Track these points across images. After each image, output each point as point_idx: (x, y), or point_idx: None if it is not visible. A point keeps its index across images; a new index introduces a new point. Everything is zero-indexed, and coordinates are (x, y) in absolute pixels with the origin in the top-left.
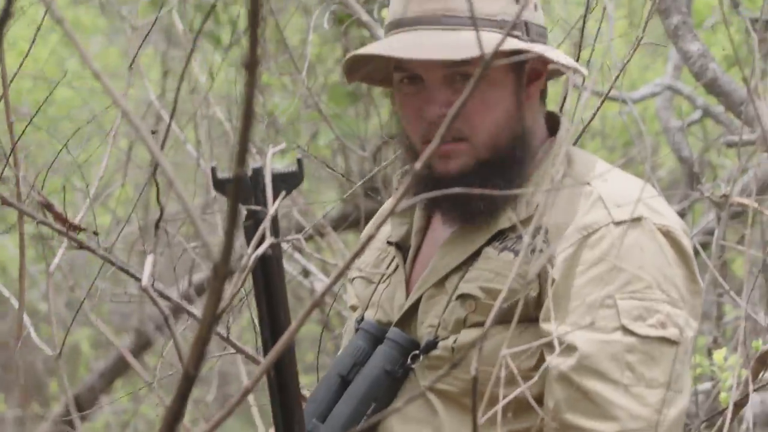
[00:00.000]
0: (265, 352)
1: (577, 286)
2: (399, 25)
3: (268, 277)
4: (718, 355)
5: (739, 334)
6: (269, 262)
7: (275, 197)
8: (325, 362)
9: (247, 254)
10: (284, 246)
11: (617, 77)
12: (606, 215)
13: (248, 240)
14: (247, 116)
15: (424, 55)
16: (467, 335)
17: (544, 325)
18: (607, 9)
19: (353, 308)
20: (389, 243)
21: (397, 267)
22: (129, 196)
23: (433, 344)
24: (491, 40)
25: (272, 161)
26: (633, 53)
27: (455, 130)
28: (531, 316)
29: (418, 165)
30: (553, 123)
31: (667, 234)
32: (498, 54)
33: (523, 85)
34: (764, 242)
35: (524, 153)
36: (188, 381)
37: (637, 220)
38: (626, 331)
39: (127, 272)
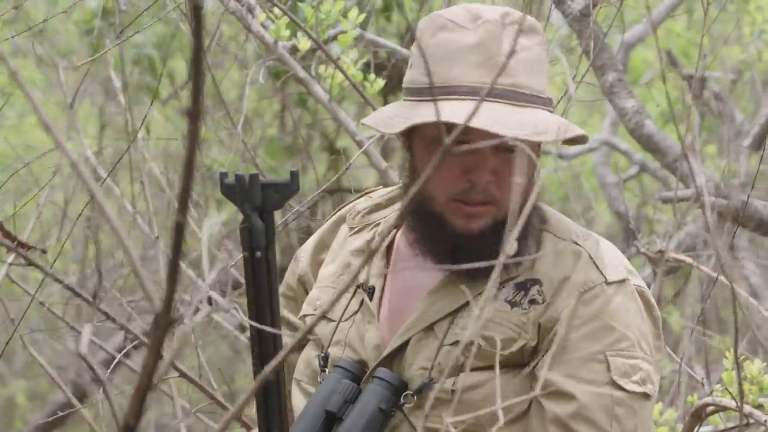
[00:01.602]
0: (254, 354)
1: (573, 340)
2: (464, 92)
3: (260, 283)
4: (654, 410)
5: (675, 389)
6: (261, 265)
7: (269, 206)
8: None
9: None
10: (226, 304)
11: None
12: (598, 275)
13: (243, 243)
14: (189, 167)
15: (517, 135)
16: (468, 378)
17: (542, 373)
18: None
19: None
20: (357, 286)
21: (360, 306)
22: (65, 250)
23: (427, 386)
24: (555, 120)
25: (212, 218)
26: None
27: (489, 195)
28: (526, 363)
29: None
30: None
31: (642, 295)
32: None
33: (540, 151)
34: (698, 298)
35: (532, 212)
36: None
37: (622, 282)
38: (616, 385)
39: (74, 291)
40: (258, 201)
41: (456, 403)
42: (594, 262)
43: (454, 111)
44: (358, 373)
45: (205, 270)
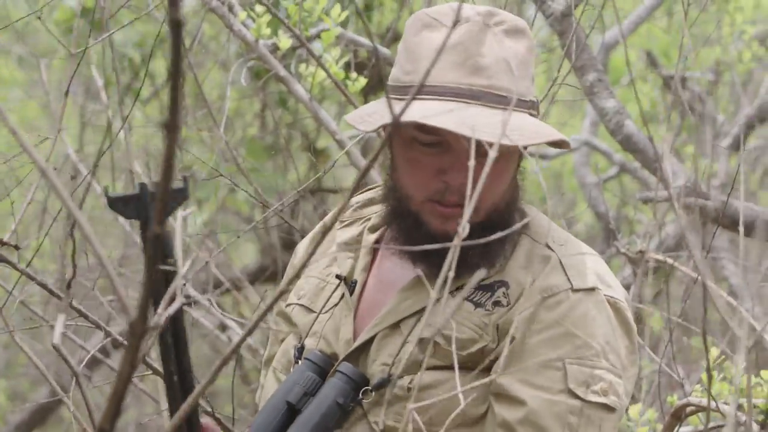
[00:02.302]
0: (169, 386)
1: (531, 344)
2: (440, 92)
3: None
4: (634, 410)
5: (654, 389)
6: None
7: (165, 212)
8: (241, 415)
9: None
10: (204, 300)
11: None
12: (565, 280)
13: (146, 254)
14: (167, 175)
15: (495, 139)
16: (426, 377)
17: (498, 378)
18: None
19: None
20: (336, 276)
21: (340, 299)
22: (45, 249)
23: (385, 382)
24: (533, 124)
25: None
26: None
27: (465, 197)
28: (487, 366)
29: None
30: None
31: (614, 306)
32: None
33: (523, 155)
34: (680, 298)
35: (514, 215)
36: None
37: (591, 290)
38: (571, 394)
39: (44, 287)
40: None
41: (412, 401)
42: (563, 268)
43: (426, 110)
44: (325, 366)
45: (178, 259)
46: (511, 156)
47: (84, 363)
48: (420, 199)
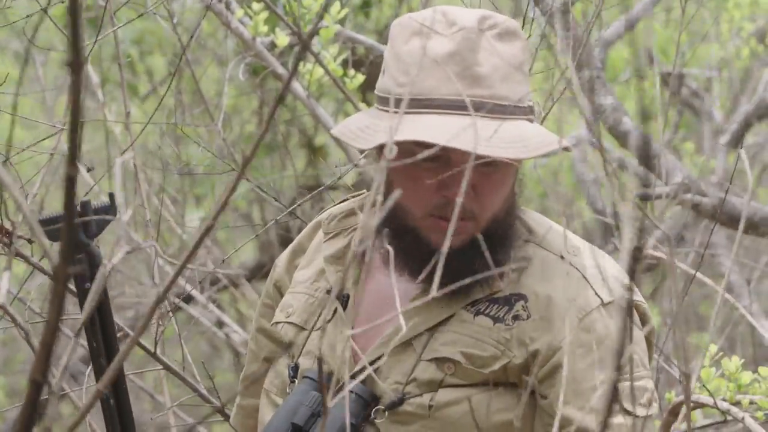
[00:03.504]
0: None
1: (579, 370)
2: (439, 105)
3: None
4: None
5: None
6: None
7: (96, 229)
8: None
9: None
10: (201, 297)
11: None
12: (593, 296)
13: (80, 272)
14: (75, 115)
15: (498, 153)
16: (446, 395)
17: (557, 409)
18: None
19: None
20: (327, 292)
21: (333, 315)
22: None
23: (399, 401)
24: (535, 133)
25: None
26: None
27: (468, 211)
28: (511, 381)
29: (357, 235)
30: None
31: (639, 309)
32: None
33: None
34: (677, 295)
35: (515, 224)
36: (36, 388)
37: (618, 300)
38: (626, 412)
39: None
40: (93, 228)
41: (432, 420)
42: (588, 282)
43: (430, 127)
44: (328, 385)
45: (120, 207)
46: (512, 166)
47: (80, 359)
48: (420, 214)
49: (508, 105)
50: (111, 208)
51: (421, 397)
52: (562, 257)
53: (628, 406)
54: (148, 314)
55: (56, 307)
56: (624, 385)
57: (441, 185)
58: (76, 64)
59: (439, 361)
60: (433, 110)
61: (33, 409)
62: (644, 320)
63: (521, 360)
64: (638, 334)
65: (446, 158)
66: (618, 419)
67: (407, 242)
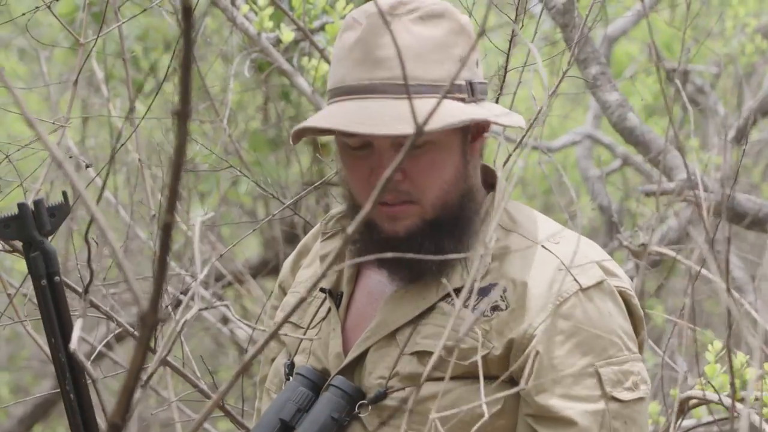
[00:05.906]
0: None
1: (559, 357)
2: (345, 92)
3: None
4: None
5: (657, 383)
6: (58, 289)
7: (49, 228)
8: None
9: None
10: (207, 295)
11: (531, 124)
12: (572, 282)
13: (35, 271)
14: (177, 166)
15: (376, 129)
16: (428, 388)
17: (537, 398)
18: (527, 58)
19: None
20: (322, 290)
21: (327, 313)
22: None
23: (383, 395)
24: (441, 107)
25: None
26: (551, 96)
27: (404, 193)
28: (491, 374)
29: (350, 230)
30: (488, 176)
31: (623, 294)
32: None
33: (469, 143)
34: (682, 291)
35: (472, 210)
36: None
37: (599, 284)
38: (609, 398)
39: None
40: (47, 226)
41: (412, 414)
42: (566, 269)
43: (329, 114)
44: (318, 381)
45: (197, 265)
46: (447, 145)
47: (92, 359)
48: (365, 203)
49: (416, 84)
50: (65, 207)
51: (403, 390)
52: (543, 246)
53: (610, 389)
54: (232, 379)
55: (141, 353)
56: (606, 370)
57: (370, 172)
58: (183, 113)
59: (421, 354)
60: (344, 97)
61: None
62: (629, 306)
63: (500, 351)
64: (619, 316)
65: (370, 145)
66: (599, 405)
67: (363, 233)
